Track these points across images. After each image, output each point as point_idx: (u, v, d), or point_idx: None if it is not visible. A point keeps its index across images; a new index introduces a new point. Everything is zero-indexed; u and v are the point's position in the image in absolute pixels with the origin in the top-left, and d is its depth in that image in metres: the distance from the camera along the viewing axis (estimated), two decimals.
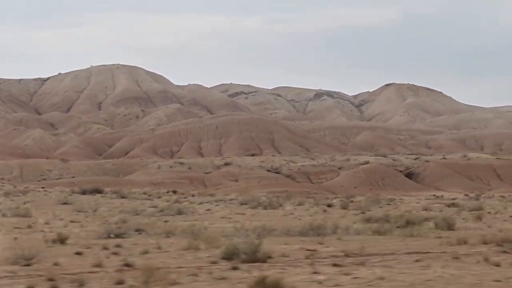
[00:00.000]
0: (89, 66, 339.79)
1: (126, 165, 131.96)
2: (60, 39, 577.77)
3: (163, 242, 26.95)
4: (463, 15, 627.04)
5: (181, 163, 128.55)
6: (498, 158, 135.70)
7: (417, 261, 21.75)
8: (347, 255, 23.33)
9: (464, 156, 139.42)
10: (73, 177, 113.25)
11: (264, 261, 21.94)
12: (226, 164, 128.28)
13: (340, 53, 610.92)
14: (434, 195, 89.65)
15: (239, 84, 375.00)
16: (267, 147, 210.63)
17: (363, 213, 41.79)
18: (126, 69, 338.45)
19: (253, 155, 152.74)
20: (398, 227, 31.58)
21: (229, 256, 22.38)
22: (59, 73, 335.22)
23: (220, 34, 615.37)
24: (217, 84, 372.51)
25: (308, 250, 24.43)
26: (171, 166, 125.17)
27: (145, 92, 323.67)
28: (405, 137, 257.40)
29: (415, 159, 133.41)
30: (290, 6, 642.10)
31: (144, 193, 69.61)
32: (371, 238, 28.67)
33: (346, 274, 19.02)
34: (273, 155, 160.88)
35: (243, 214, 41.57)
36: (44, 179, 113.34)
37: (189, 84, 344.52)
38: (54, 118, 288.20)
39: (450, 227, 31.85)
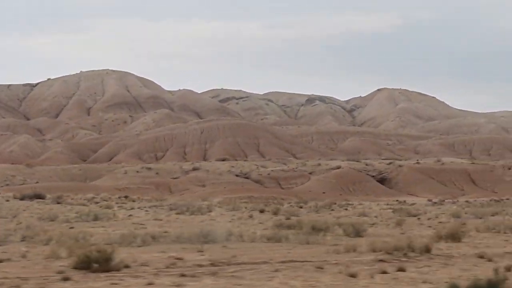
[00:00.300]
0: (79, 71, 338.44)
1: (93, 170, 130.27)
2: (57, 45, 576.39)
3: (36, 250, 25.47)
4: (460, 21, 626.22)
5: (149, 168, 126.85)
6: (473, 163, 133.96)
7: (276, 271, 20.21)
8: (213, 264, 21.78)
9: (438, 161, 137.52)
10: (37, 182, 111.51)
11: (118, 270, 20.51)
12: (194, 169, 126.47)
13: (334, 58, 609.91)
14: (397, 200, 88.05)
15: (230, 89, 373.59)
16: (252, 152, 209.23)
17: (288, 218, 40.26)
18: (116, 74, 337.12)
19: (223, 160, 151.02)
20: (305, 234, 30.07)
21: (81, 265, 20.91)
22: (48, 79, 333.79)
23: (215, 40, 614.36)
24: (209, 89, 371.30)
25: (176, 258, 22.90)
26: (137, 171, 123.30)
27: (134, 98, 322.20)
28: (393, 142, 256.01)
29: (389, 164, 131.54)
30: (286, 11, 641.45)
31: (94, 197, 67.86)
32: (261, 246, 27.15)
33: (178, 286, 17.54)
34: (245, 160, 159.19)
35: (160, 220, 40.04)
36: (7, 184, 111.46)
37: (179, 90, 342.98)
38: (42, 123, 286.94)
39: (358, 233, 30.32)
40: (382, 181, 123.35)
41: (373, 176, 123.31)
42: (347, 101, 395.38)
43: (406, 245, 25.05)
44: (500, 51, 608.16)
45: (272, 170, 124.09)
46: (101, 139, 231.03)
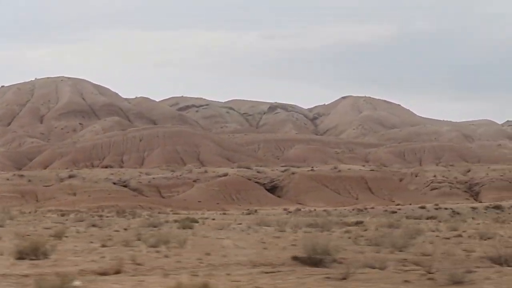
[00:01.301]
0: (33, 79, 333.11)
1: None
2: (12, 52, 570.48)
3: None
4: (443, 32, 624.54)
5: (21, 176, 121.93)
6: (372, 170, 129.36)
7: None
8: None
9: (335, 168, 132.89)
10: None
11: None
12: (70, 176, 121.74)
13: (304, 67, 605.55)
14: (248, 209, 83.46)
15: (190, 97, 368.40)
16: (192, 161, 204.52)
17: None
18: (71, 81, 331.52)
19: (106, 167, 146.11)
20: None
21: None
22: (2, 86, 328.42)
23: (182, 48, 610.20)
24: (168, 97, 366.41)
25: None
26: (8, 179, 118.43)
27: (89, 105, 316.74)
28: (342, 150, 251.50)
29: (283, 171, 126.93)
30: (251, 20, 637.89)
31: None
32: None
33: None
34: (125, 167, 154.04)
35: None
36: None
37: (136, 97, 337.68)
38: None
39: None
40: (273, 189, 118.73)
41: (263, 184, 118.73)
42: (310, 109, 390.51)
43: None
44: (483, 60, 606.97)
45: (153, 178, 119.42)
46: (41, 147, 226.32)
